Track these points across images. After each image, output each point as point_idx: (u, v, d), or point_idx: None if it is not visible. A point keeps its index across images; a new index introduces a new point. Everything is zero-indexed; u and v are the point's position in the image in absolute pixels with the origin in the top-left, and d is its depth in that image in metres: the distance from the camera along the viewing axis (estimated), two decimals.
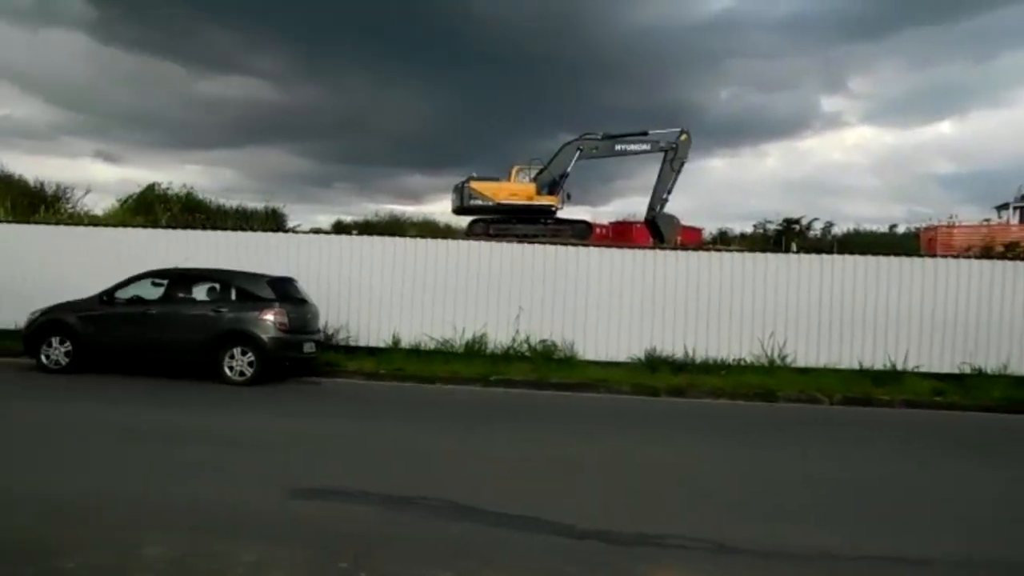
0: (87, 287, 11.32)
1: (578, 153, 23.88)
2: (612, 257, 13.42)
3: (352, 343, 13.18)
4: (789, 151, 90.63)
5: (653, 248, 15.30)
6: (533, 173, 24.34)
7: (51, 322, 10.67)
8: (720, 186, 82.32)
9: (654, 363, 12.50)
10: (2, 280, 13.55)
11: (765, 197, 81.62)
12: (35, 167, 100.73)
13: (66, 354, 10.53)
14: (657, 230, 23.30)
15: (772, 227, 42.76)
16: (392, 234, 15.50)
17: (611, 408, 10.14)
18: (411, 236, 14.92)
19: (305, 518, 4.68)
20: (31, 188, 20.44)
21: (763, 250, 14.83)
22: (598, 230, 27.70)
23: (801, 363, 12.76)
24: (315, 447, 6.84)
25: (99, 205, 20.82)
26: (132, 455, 6.25)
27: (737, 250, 14.59)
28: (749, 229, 44.29)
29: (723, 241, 37.53)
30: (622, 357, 12.96)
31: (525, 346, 12.97)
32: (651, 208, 23.77)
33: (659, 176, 23.71)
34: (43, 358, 10.56)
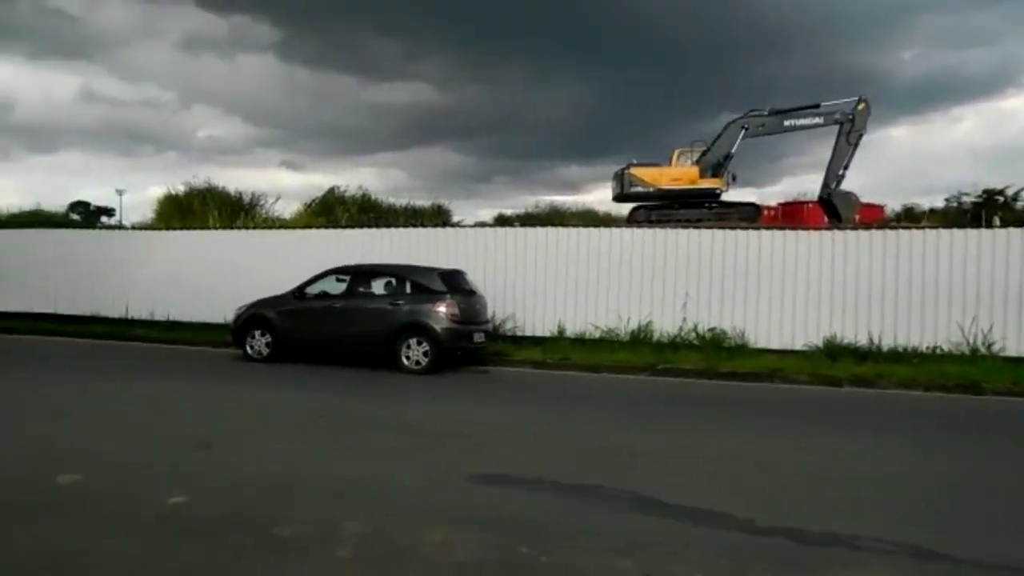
0: (281, 283, 12.49)
1: (743, 132, 22.73)
2: (784, 239, 12.67)
3: (518, 333, 13.49)
4: (988, 114, 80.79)
5: (830, 228, 14.26)
6: (695, 156, 23.51)
7: (253, 316, 11.87)
8: (904, 158, 75.16)
9: (834, 351, 11.65)
10: (214, 279, 15.29)
11: (958, 167, 73.39)
12: (234, 178, 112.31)
13: (267, 345, 11.67)
14: (833, 209, 21.67)
15: (968, 200, 38.25)
16: (553, 225, 15.64)
17: (789, 399, 9.60)
18: (568, 225, 14.99)
19: (484, 502, 4.85)
20: (232, 198, 22.78)
21: (959, 226, 13.30)
22: (767, 212, 26.24)
23: (1012, 352, 11.34)
24: (490, 434, 7.08)
25: (287, 210, 22.86)
26: (326, 438, 6.81)
27: (928, 227, 13.20)
28: (940, 203, 39.97)
29: (909, 218, 34.14)
30: (798, 345, 12.22)
31: (693, 334, 12.61)
32: (826, 185, 22.13)
33: (834, 151, 22.00)
34: (248, 349, 11.78)
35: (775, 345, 12.32)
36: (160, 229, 19.16)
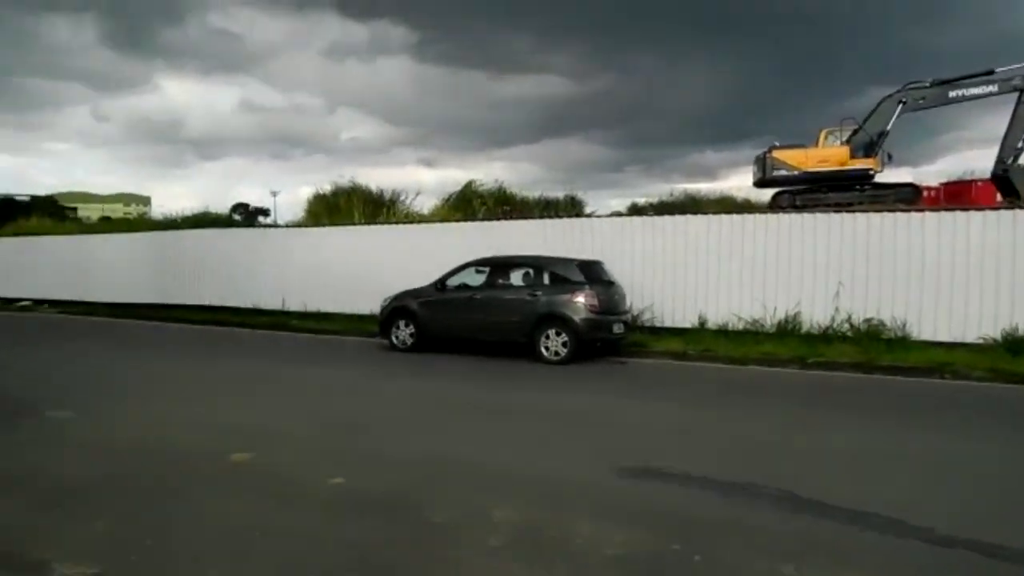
0: (423, 275, 12.91)
1: (900, 107, 20.91)
2: (954, 221, 11.49)
3: (657, 324, 13.17)
4: None
5: (1008, 207, 12.79)
6: (845, 135, 21.95)
7: (398, 308, 12.35)
8: None
9: (1016, 345, 10.45)
10: (360, 272, 16.09)
11: None
12: (375, 176, 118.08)
13: (410, 335, 12.10)
14: (1009, 186, 19.46)
15: None
16: (690, 213, 15.12)
17: (962, 396, 8.72)
18: (706, 212, 14.42)
19: (632, 495, 4.75)
20: (374, 195, 23.82)
21: None
22: (927, 193, 24.04)
23: None
24: (634, 426, 6.94)
25: (425, 205, 23.55)
26: (471, 426, 6.95)
27: None
28: None
29: None
30: (970, 338, 11.04)
31: (846, 325, 11.75)
32: (1000, 161, 19.90)
33: (1012, 121, 19.70)
34: (393, 339, 12.28)
35: (942, 338, 11.22)
36: (310, 226, 20.39)
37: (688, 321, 12.98)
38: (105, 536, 4.02)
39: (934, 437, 6.62)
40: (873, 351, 10.60)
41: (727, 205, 29.41)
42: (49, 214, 40.55)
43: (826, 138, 22.35)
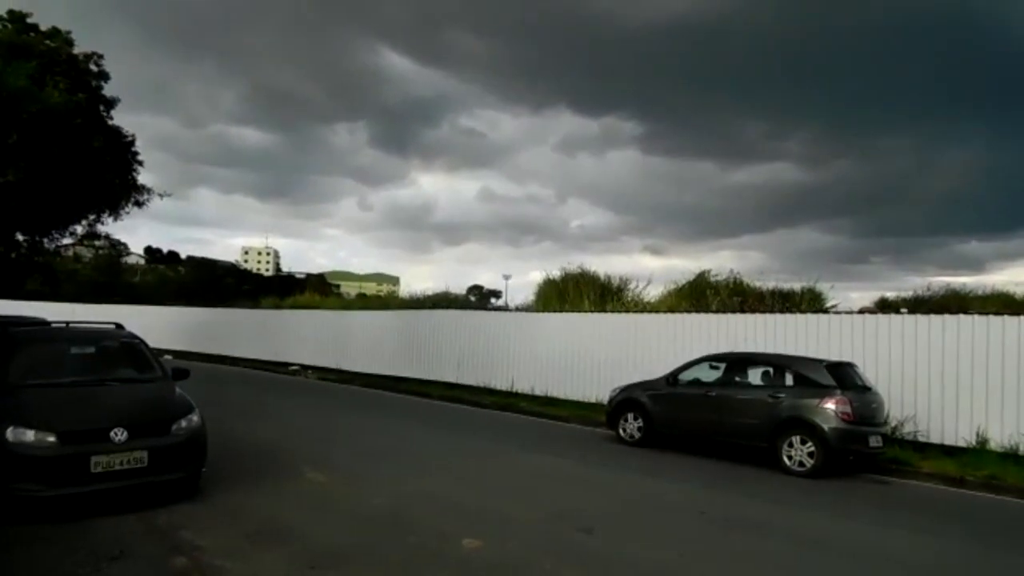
0: (650, 363, 12.56)
1: None
2: None
3: (921, 439, 11.43)
4: None
5: None
6: None
7: (627, 400, 12.04)
8: None
9: None
10: (588, 359, 16.16)
11: None
12: (601, 263, 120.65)
13: (639, 429, 11.69)
14: None
15: None
16: (954, 310, 13.20)
17: None
18: (982, 312, 12.44)
19: None
20: (601, 281, 24.06)
21: None
22: None
23: None
24: (908, 568, 5.90)
25: (650, 293, 23.22)
26: (707, 538, 6.39)
27: None
28: None
29: None
30: None
31: None
32: None
33: None
34: (620, 431, 11.95)
35: None
36: (539, 311, 21.03)
37: (962, 439, 11.13)
38: None
39: None
40: None
41: (1002, 302, 25.48)
42: (318, 290, 46.64)
43: None
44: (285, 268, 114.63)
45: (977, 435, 10.98)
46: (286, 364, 25.12)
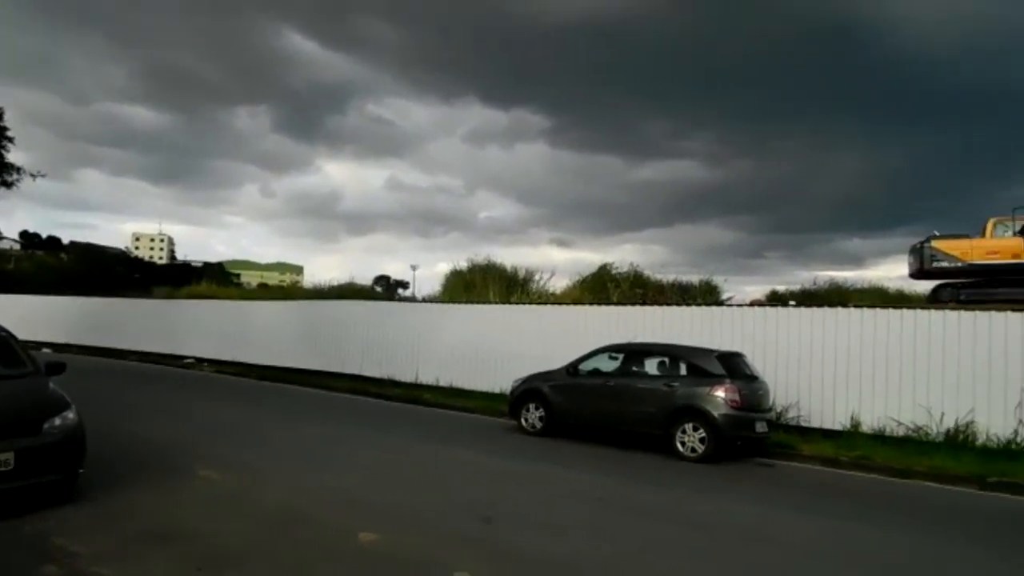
0: (553, 355, 12.78)
1: None
2: None
3: (803, 423, 12.19)
4: None
5: None
6: (1018, 226, 20.08)
7: (528, 391, 12.20)
8: None
9: None
10: (493, 351, 16.27)
11: None
12: (509, 255, 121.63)
13: (540, 419, 11.88)
14: None
15: None
16: (834, 303, 14.15)
17: None
18: (857, 305, 13.39)
19: None
20: (508, 273, 24.26)
21: None
22: None
23: None
24: (802, 548, 6.23)
25: (557, 285, 23.64)
26: (604, 524, 6.57)
27: None
28: None
29: None
30: None
31: None
32: None
33: None
34: (522, 421, 12.10)
35: None
36: (446, 302, 20.98)
37: (838, 423, 11.94)
38: None
39: None
40: None
41: (877, 296, 27.47)
42: (217, 280, 44.69)
43: (994, 228, 20.53)
44: (181, 256, 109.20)
45: (851, 419, 11.81)
46: (181, 357, 24.00)
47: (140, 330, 25.90)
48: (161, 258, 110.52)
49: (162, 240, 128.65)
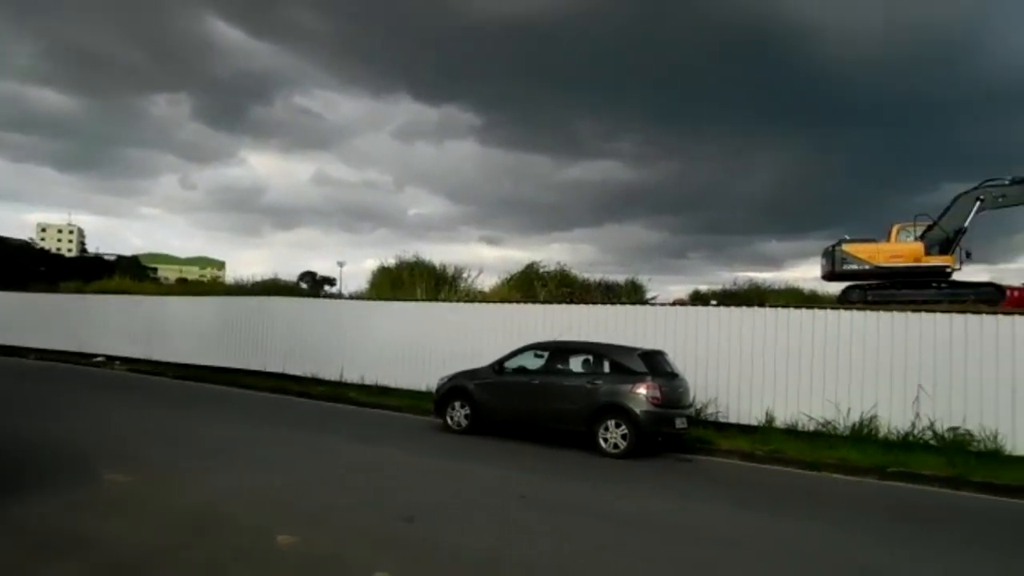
0: (481, 353, 12.82)
1: (978, 204, 20.46)
2: None
3: (722, 419, 12.62)
4: None
5: None
6: (919, 231, 21.41)
7: (454, 388, 12.18)
8: None
9: None
10: (419, 348, 16.17)
11: None
12: (438, 252, 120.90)
13: (465, 417, 11.88)
14: None
15: None
16: (754, 303, 14.73)
17: None
18: (774, 305, 13.99)
19: None
20: (437, 270, 24.11)
21: None
22: (1011, 293, 22.92)
23: None
24: (717, 539, 6.41)
25: (486, 283, 23.65)
26: (526, 521, 6.62)
27: None
28: None
29: None
30: None
31: (929, 433, 11.02)
32: None
33: None
34: (448, 419, 12.07)
35: None
36: (372, 299, 20.69)
37: (755, 418, 12.42)
38: None
39: None
40: (961, 464, 9.81)
41: (792, 296, 28.69)
42: (131, 274, 42.63)
43: (898, 233, 21.83)
44: (92, 249, 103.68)
45: (766, 415, 12.29)
46: (91, 355, 22.86)
47: (46, 327, 24.52)
48: (70, 250, 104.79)
49: (71, 231, 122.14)
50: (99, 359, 22.52)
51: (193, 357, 20.46)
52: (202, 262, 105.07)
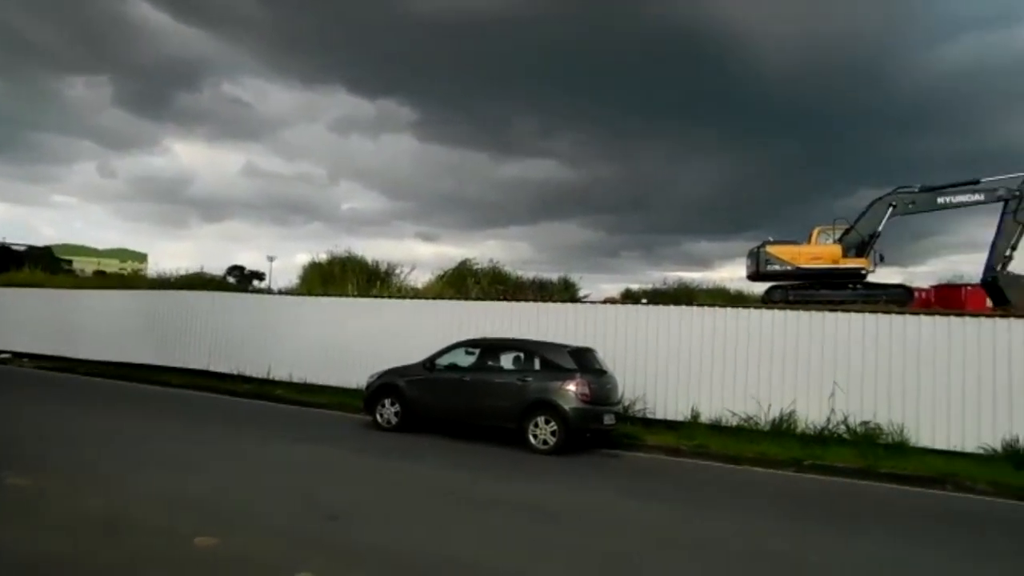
0: (413, 350, 12.71)
1: (891, 209, 21.51)
2: (949, 326, 11.47)
3: (649, 415, 12.88)
4: None
5: (1005, 315, 12.76)
6: (837, 235, 22.39)
7: (384, 385, 12.04)
8: None
9: (1019, 458, 10.21)
10: (350, 345, 15.90)
11: None
12: (373, 248, 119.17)
13: (396, 414, 11.75)
14: (999, 293, 19.68)
15: None
16: (683, 302, 15.10)
17: (977, 512, 8.36)
18: (702, 304, 14.38)
19: None
20: (370, 266, 23.75)
21: None
22: (919, 294, 24.27)
23: None
24: (640, 533, 6.53)
25: (420, 279, 23.47)
26: (453, 517, 6.61)
27: None
28: None
29: None
30: (969, 447, 10.82)
31: (842, 427, 11.53)
32: (990, 268, 20.20)
33: (999, 230, 20.20)
34: (378, 417, 11.91)
35: (940, 445, 10.99)
36: (303, 295, 20.23)
37: (681, 414, 12.72)
38: None
39: (971, 561, 6.31)
40: (871, 456, 10.32)
41: (720, 296, 29.60)
42: (43, 266, 40.31)
43: (818, 236, 22.76)
44: None
45: (692, 411, 12.60)
46: None
47: None
48: None
49: None
50: (4, 355, 21.29)
51: (111, 354, 19.56)
52: (122, 254, 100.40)
